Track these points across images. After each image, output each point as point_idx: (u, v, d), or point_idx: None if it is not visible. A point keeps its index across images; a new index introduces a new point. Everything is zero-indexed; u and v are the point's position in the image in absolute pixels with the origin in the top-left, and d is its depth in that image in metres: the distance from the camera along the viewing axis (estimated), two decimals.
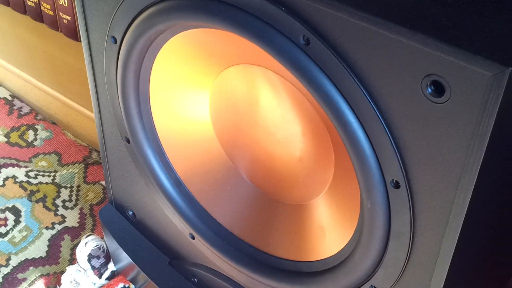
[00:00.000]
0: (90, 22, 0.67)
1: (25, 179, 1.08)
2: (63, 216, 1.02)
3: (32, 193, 1.06)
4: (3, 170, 1.09)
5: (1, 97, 1.25)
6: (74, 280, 0.89)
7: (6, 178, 1.08)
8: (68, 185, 1.07)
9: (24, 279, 0.92)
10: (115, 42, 0.64)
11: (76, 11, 0.85)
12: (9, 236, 0.99)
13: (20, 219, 1.01)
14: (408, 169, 0.47)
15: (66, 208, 1.03)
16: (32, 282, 0.92)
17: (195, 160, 0.70)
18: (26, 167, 1.10)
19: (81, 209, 1.03)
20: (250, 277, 0.69)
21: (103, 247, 0.91)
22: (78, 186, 1.07)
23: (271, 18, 0.49)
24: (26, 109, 1.23)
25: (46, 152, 1.14)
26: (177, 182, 0.71)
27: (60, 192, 1.06)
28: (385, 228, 0.52)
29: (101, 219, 0.86)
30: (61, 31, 1.05)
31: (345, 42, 0.46)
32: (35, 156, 1.13)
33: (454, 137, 0.43)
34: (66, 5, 1.00)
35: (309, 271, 0.63)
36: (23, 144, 1.16)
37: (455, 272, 0.51)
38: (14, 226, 1.00)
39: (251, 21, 0.50)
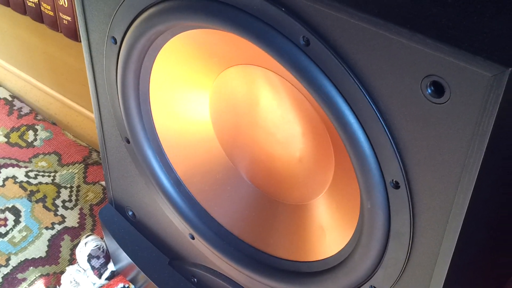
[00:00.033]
0: (90, 22, 0.67)
1: (25, 179, 1.08)
2: (63, 216, 1.02)
3: (32, 193, 1.06)
4: (3, 170, 1.09)
5: (1, 97, 1.25)
6: (74, 280, 0.89)
7: (6, 178, 1.08)
8: (68, 185, 1.07)
9: (24, 279, 0.92)
10: (115, 42, 0.64)
11: (76, 12, 0.85)
12: (9, 236, 0.99)
13: (20, 219, 1.01)
14: (408, 169, 0.47)
15: (66, 208, 1.03)
16: (32, 282, 0.92)
17: (195, 160, 0.70)
18: (26, 167, 1.10)
19: (81, 209, 1.03)
20: (250, 277, 0.69)
21: (103, 247, 0.91)
22: (78, 186, 1.07)
23: (271, 19, 0.49)
24: (26, 110, 1.23)
25: (46, 152, 1.14)
26: (177, 182, 0.71)
27: (60, 192, 1.06)
28: (385, 228, 0.52)
29: (101, 219, 0.86)
30: (61, 32, 1.05)
31: (345, 43, 0.46)
32: (35, 156, 1.13)
33: (454, 137, 0.43)
34: (66, 6, 1.00)
35: (309, 271, 0.63)
36: (23, 144, 1.16)
37: (455, 272, 0.51)
38: (14, 226, 1.00)
39: (251, 21, 0.50)
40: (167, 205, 0.73)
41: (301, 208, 0.64)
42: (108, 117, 0.74)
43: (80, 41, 0.75)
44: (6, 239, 0.98)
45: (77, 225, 1.01)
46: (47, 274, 0.93)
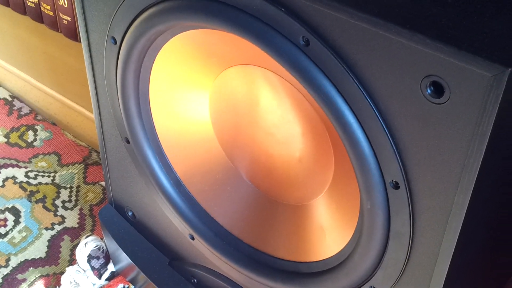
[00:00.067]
0: (90, 22, 0.67)
1: (25, 179, 1.08)
2: (62, 217, 1.02)
3: (31, 193, 1.06)
4: (3, 170, 1.09)
5: (1, 97, 1.25)
6: (74, 280, 0.89)
7: (6, 179, 1.08)
8: (68, 186, 1.07)
9: (24, 280, 0.92)
10: (115, 42, 0.64)
11: (76, 12, 0.85)
12: (9, 236, 0.99)
13: (19, 219, 1.01)
14: (408, 169, 0.47)
15: (65, 208, 1.03)
16: (32, 283, 0.92)
17: (195, 160, 0.70)
18: (25, 167, 1.10)
19: (80, 209, 1.03)
20: (249, 277, 0.69)
21: (102, 247, 0.91)
22: (78, 186, 1.07)
23: (271, 19, 0.49)
24: (26, 110, 1.23)
25: (46, 152, 1.14)
26: (177, 183, 0.71)
27: (60, 193, 1.06)
28: (385, 228, 0.52)
29: (100, 220, 0.86)
30: (61, 32, 1.05)
31: (344, 43, 0.46)
32: (35, 156, 1.13)
33: (453, 137, 0.43)
34: (66, 6, 1.00)
35: (308, 272, 0.63)
36: (23, 144, 1.16)
37: (455, 272, 0.51)
38: (14, 226, 1.00)
39: (251, 22, 0.50)
40: (167, 206, 0.73)
41: (301, 208, 0.64)
42: (108, 117, 0.74)
43: (80, 41, 0.75)
44: (6, 239, 0.98)
45: (77, 225, 1.01)
46: (47, 275, 0.93)
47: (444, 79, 0.41)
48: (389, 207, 0.50)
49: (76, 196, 1.05)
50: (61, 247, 0.97)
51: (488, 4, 0.45)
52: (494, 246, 0.62)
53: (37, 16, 1.07)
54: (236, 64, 0.60)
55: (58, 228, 1.00)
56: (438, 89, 0.42)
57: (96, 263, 0.90)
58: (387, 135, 0.47)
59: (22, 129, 1.19)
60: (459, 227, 0.46)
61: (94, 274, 0.90)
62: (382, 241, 0.53)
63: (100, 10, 0.65)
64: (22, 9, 1.10)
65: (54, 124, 1.20)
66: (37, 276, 0.92)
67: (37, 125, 1.19)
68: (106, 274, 0.91)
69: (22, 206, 1.04)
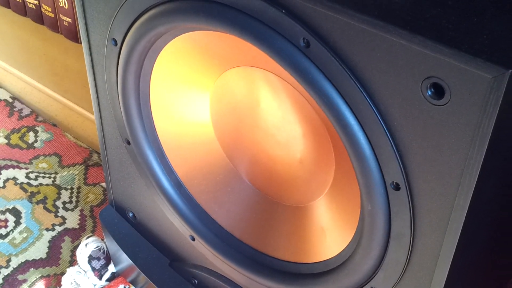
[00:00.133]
0: (91, 24, 0.67)
1: (26, 180, 1.08)
2: (63, 218, 1.02)
3: (32, 194, 1.06)
4: (4, 171, 1.09)
5: (2, 99, 1.25)
6: (75, 281, 0.89)
7: (7, 180, 1.08)
8: (69, 187, 1.07)
9: (24, 281, 0.92)
10: (116, 44, 0.64)
11: (76, 13, 0.85)
12: (10, 237, 0.99)
13: (20, 220, 1.01)
14: (408, 171, 0.47)
15: (66, 209, 1.03)
16: (33, 284, 0.92)
17: (196, 162, 0.70)
18: (26, 168, 1.10)
19: (81, 210, 1.03)
20: (250, 278, 0.69)
21: (103, 248, 0.91)
22: (79, 187, 1.07)
23: (271, 21, 0.49)
24: (26, 111, 1.23)
25: (47, 153, 1.14)
26: (178, 184, 0.71)
27: (61, 194, 1.06)
28: (385, 229, 0.52)
29: (101, 221, 0.86)
30: (61, 33, 1.05)
31: (345, 45, 0.46)
32: (36, 157, 1.13)
33: (454, 139, 0.43)
34: (66, 7, 1.00)
35: (309, 273, 0.63)
36: (24, 145, 1.16)
37: (456, 274, 0.51)
38: (15, 227, 1.00)
39: (252, 23, 0.50)
40: (167, 207, 0.73)
41: (302, 209, 0.64)
42: (108, 119, 0.74)
43: (81, 43, 0.75)
44: (6, 240, 0.98)
45: (77, 226, 1.01)
46: (48, 276, 0.93)
47: (444, 80, 0.41)
48: (390, 208, 0.50)
49: (77, 197, 1.06)
50: (61, 248, 0.97)
51: (488, 5, 0.45)
52: (495, 247, 0.62)
53: (38, 17, 1.08)
54: (236, 65, 0.60)
55: (58, 229, 1.00)
56: (438, 91, 0.42)
57: (97, 264, 0.90)
58: (388, 137, 0.47)
59: (23, 130, 1.19)
60: (459, 228, 0.46)
61: (95, 275, 0.90)
62: (382, 242, 0.53)
63: (100, 11, 0.65)
64: (23, 11, 1.10)
65: (54, 125, 1.20)
66: (37, 277, 0.92)
67: (38, 126, 1.19)
68: (106, 275, 0.91)
69: (23, 207, 1.04)
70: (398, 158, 0.47)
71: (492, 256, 0.64)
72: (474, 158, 0.43)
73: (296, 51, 0.48)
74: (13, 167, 1.10)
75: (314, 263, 0.63)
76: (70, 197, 1.05)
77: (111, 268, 0.91)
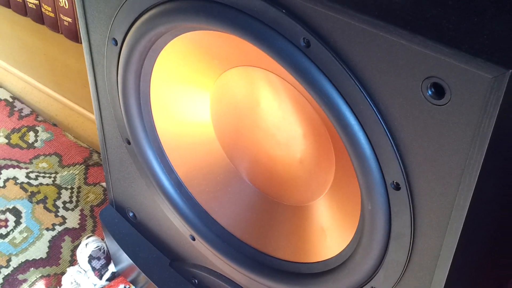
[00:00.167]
0: (91, 24, 0.67)
1: (26, 180, 1.08)
2: (63, 217, 1.02)
3: (32, 194, 1.06)
4: (4, 171, 1.09)
5: (2, 98, 1.25)
6: (75, 281, 0.89)
7: (7, 180, 1.08)
8: (69, 187, 1.07)
9: (25, 280, 0.92)
10: (116, 44, 0.64)
11: (76, 13, 0.85)
12: (10, 237, 0.99)
13: (20, 220, 1.01)
14: (409, 171, 0.47)
15: (66, 209, 1.03)
16: (33, 283, 0.92)
17: (196, 161, 0.70)
18: (26, 168, 1.10)
19: (81, 210, 1.03)
20: (250, 278, 0.69)
21: (103, 248, 0.91)
22: (79, 187, 1.07)
23: (272, 20, 0.49)
24: (26, 111, 1.23)
25: (47, 153, 1.14)
26: (178, 184, 0.71)
27: (61, 194, 1.06)
28: (386, 229, 0.52)
29: (101, 220, 0.86)
30: (61, 33, 1.05)
31: (345, 45, 0.46)
32: (36, 157, 1.13)
33: (454, 139, 0.43)
34: (67, 7, 1.00)
35: (309, 273, 0.63)
36: (24, 145, 1.16)
37: (456, 274, 0.51)
38: (15, 227, 1.00)
39: (252, 23, 0.50)
40: (167, 206, 0.73)
41: (302, 209, 0.64)
42: (108, 118, 0.74)
43: (81, 43, 0.75)
44: (6, 240, 0.98)
45: (77, 226, 1.01)
46: (48, 275, 0.93)
47: (444, 80, 0.41)
48: (390, 208, 0.50)
49: (77, 197, 1.06)
50: (62, 247, 0.97)
51: (488, 5, 0.45)
52: (495, 247, 0.62)
53: (38, 17, 1.08)
54: (237, 65, 0.60)
55: (59, 228, 1.00)
56: (439, 91, 0.42)
57: (97, 264, 0.90)
58: (388, 136, 0.47)
59: (23, 130, 1.19)
60: (460, 228, 0.46)
61: (95, 275, 0.90)
62: (383, 242, 0.53)
63: (101, 11, 0.65)
64: (23, 11, 1.10)
65: (55, 125, 1.20)
66: (38, 277, 0.92)
67: (38, 126, 1.19)
68: (107, 275, 0.91)
69: (23, 206, 1.04)
70: (399, 158, 0.47)
71: (492, 256, 0.64)
72: (474, 158, 0.43)
73: (297, 51, 0.49)
74: (13, 166, 1.11)
75: (314, 262, 0.63)
76: (70, 197, 1.05)
77: (111, 268, 0.91)
